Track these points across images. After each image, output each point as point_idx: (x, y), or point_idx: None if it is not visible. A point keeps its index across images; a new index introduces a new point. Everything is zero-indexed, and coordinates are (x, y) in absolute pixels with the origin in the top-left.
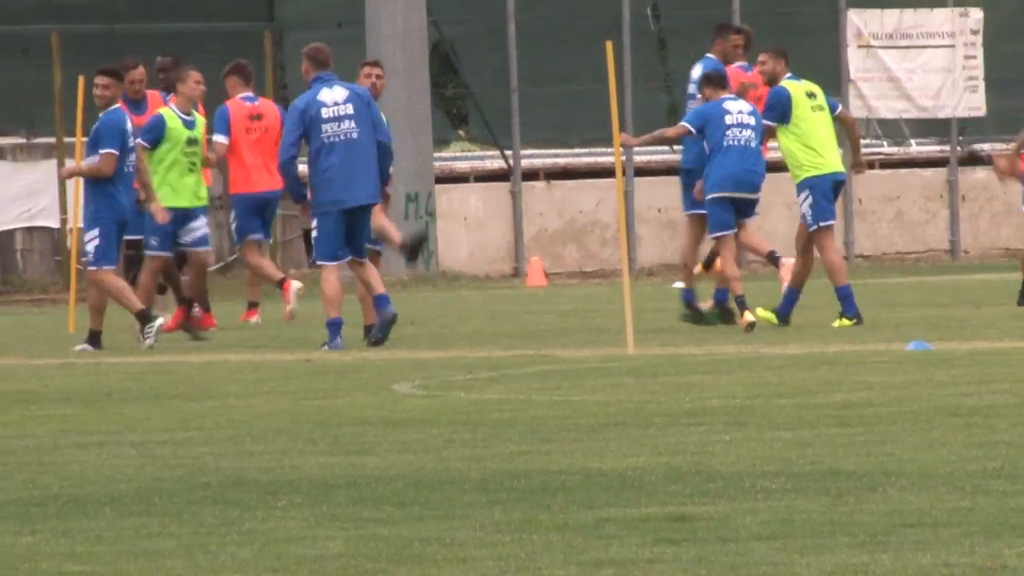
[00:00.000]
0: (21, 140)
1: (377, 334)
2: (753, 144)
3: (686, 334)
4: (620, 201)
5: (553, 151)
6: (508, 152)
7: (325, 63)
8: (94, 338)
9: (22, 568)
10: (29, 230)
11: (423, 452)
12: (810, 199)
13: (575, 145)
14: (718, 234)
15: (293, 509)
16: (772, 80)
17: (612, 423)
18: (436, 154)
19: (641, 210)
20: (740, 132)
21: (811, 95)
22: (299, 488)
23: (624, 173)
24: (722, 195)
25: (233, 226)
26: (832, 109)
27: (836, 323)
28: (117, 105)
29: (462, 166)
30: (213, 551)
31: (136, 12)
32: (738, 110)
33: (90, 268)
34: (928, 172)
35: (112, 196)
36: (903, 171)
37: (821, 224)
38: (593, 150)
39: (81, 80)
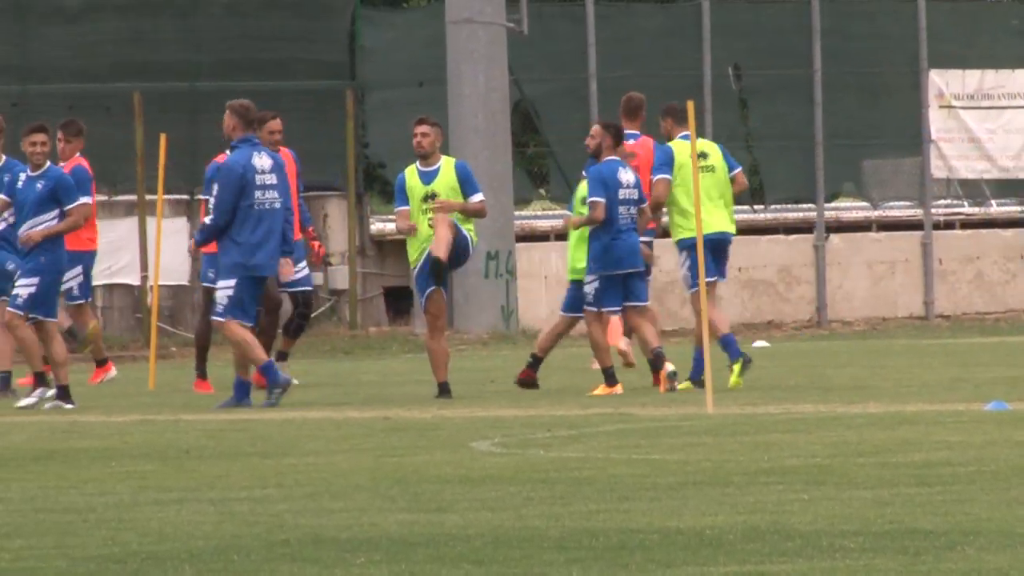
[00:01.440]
0: (103, 197)
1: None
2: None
3: (765, 393)
4: (700, 260)
5: None
6: None
7: (252, 123)
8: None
9: None
10: (110, 287)
11: (502, 510)
12: (688, 261)
13: None
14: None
15: (372, 567)
16: (668, 138)
17: (690, 482)
18: (517, 212)
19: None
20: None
21: (701, 155)
22: (378, 546)
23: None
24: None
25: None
26: (731, 169)
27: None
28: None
29: (543, 225)
30: None
31: (217, 70)
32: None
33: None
34: (1008, 232)
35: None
36: (983, 231)
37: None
38: None
39: (163, 138)
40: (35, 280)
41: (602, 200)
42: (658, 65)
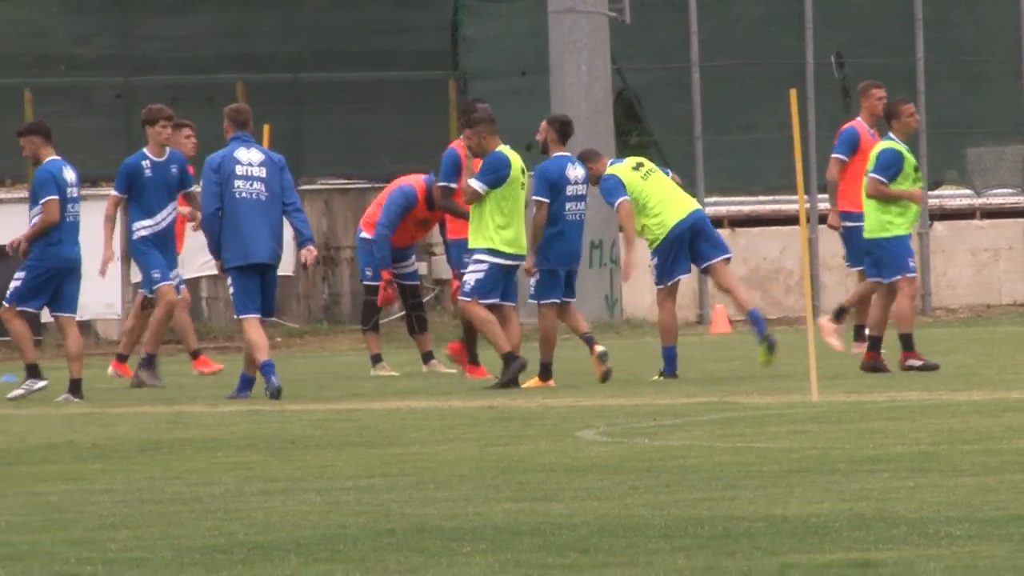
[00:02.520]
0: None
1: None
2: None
3: (870, 380)
4: (804, 248)
5: (737, 198)
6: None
7: (244, 123)
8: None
9: None
10: (214, 278)
11: (607, 499)
12: (656, 260)
13: (759, 192)
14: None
15: (477, 556)
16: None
17: (795, 470)
18: None
19: (825, 257)
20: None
21: (639, 166)
22: (483, 535)
23: (808, 220)
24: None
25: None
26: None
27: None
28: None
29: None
30: None
31: (320, 62)
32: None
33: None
34: None
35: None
36: None
37: (668, 283)
38: (777, 197)
39: (266, 129)
40: (21, 275)
41: (546, 200)
42: (760, 54)
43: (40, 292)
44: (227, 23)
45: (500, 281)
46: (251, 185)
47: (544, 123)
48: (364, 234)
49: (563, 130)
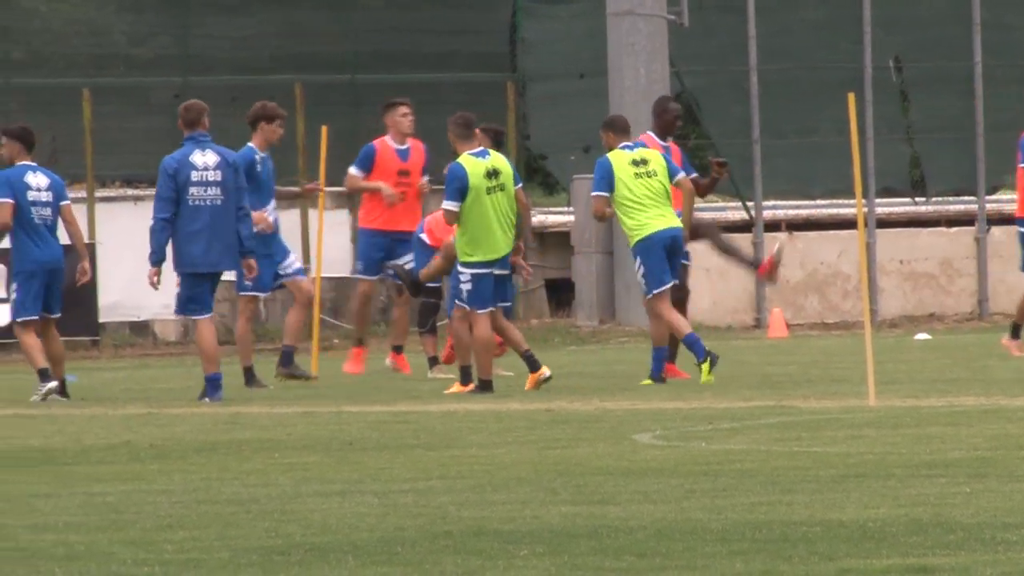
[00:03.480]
0: None
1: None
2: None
3: (927, 385)
4: (861, 252)
5: (795, 202)
6: (750, 203)
7: (194, 122)
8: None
9: None
10: None
11: (664, 502)
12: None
13: (817, 196)
14: None
15: (535, 559)
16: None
17: (852, 474)
18: None
19: (883, 261)
20: None
21: (638, 162)
22: (540, 538)
23: (866, 224)
24: None
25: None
26: (672, 175)
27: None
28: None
29: (705, 217)
30: None
31: (378, 63)
32: None
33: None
34: None
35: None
36: None
37: (656, 292)
38: (835, 201)
39: (324, 130)
40: (14, 286)
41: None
42: (818, 57)
43: (34, 297)
44: (285, 23)
45: (486, 289)
46: (206, 191)
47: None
48: (424, 236)
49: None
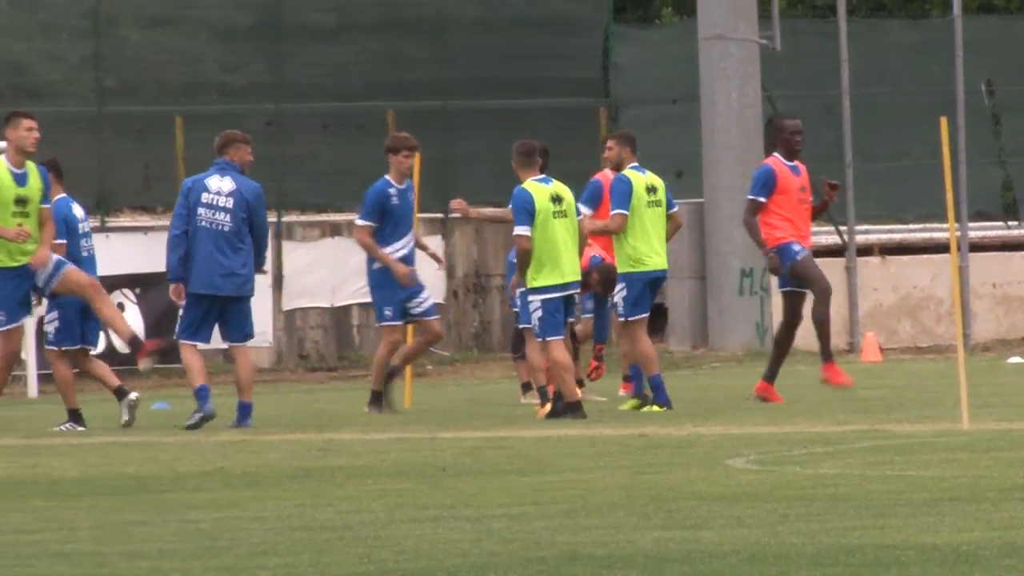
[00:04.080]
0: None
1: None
2: None
3: (1020, 409)
4: (955, 276)
5: (888, 226)
6: (843, 227)
7: (221, 149)
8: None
9: None
10: (365, 305)
11: (757, 527)
12: (626, 293)
13: (909, 220)
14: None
15: None
16: (618, 166)
17: (946, 498)
18: None
19: (976, 285)
20: None
21: (651, 189)
22: (634, 563)
23: (959, 248)
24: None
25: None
26: (669, 207)
27: (644, 408)
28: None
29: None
30: None
31: (470, 89)
32: None
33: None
34: None
35: None
36: None
37: (631, 318)
38: (928, 225)
39: (416, 157)
40: (53, 315)
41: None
42: (910, 81)
43: (72, 328)
44: (377, 51)
45: (557, 314)
46: (214, 215)
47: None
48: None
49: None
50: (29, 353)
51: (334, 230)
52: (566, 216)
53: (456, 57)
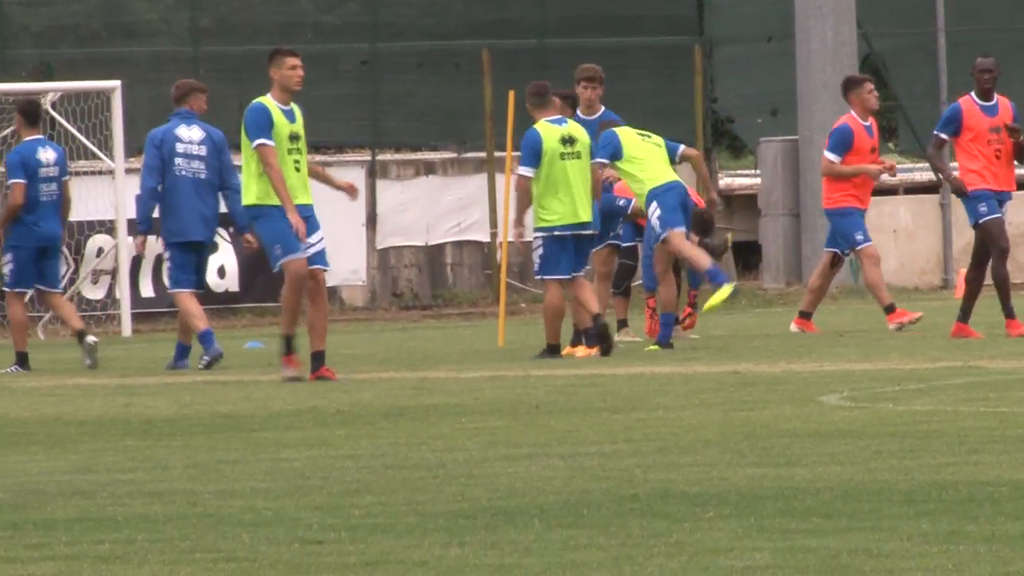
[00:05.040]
0: (452, 155)
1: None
2: None
3: None
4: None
5: None
6: None
7: (180, 99)
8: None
9: None
10: (459, 244)
11: (850, 464)
12: (658, 211)
13: None
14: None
15: (721, 521)
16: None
17: None
18: None
19: None
20: None
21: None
22: (727, 500)
23: None
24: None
25: None
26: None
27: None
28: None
29: (891, 179)
30: (640, 563)
31: (566, 27)
32: None
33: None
34: None
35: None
36: None
37: (674, 229)
38: None
39: (511, 95)
40: (8, 257)
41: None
42: (1009, 18)
43: (27, 272)
44: None
45: (561, 254)
46: (191, 164)
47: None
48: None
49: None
50: (123, 292)
51: (428, 169)
52: (579, 158)
53: None
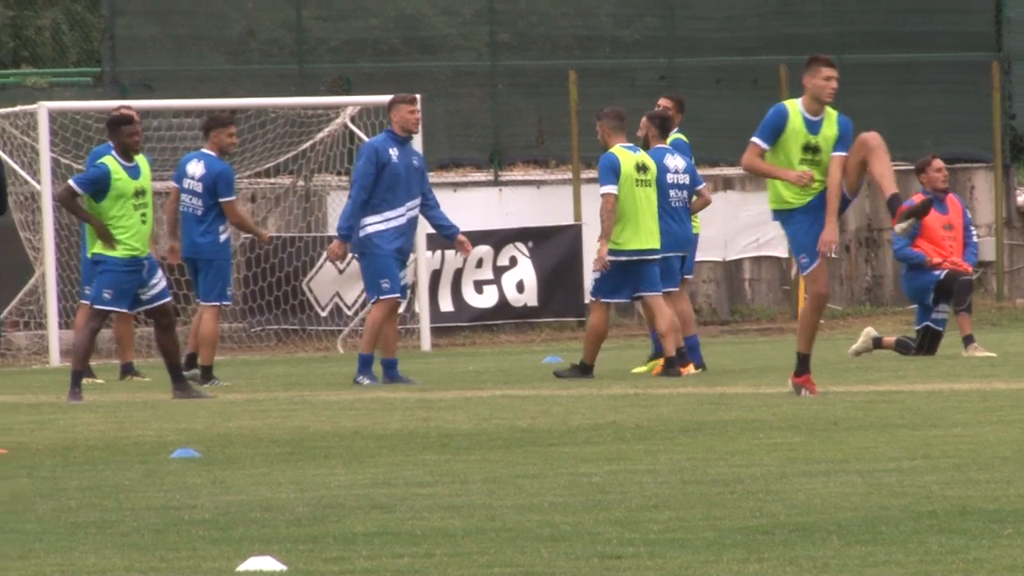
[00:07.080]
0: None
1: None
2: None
3: None
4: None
5: None
6: None
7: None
8: None
9: None
10: (757, 259)
11: None
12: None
13: None
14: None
15: (1019, 538)
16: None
17: None
18: None
19: None
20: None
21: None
22: None
23: None
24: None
25: None
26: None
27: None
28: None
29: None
30: None
31: (863, 43)
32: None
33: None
34: None
35: None
36: None
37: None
38: None
39: None
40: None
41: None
42: None
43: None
44: (769, 4)
45: (620, 279)
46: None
47: (644, 119)
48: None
49: (663, 126)
50: (423, 306)
51: (726, 184)
52: (649, 186)
53: (848, 11)
